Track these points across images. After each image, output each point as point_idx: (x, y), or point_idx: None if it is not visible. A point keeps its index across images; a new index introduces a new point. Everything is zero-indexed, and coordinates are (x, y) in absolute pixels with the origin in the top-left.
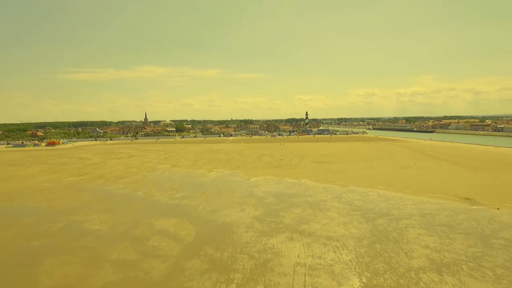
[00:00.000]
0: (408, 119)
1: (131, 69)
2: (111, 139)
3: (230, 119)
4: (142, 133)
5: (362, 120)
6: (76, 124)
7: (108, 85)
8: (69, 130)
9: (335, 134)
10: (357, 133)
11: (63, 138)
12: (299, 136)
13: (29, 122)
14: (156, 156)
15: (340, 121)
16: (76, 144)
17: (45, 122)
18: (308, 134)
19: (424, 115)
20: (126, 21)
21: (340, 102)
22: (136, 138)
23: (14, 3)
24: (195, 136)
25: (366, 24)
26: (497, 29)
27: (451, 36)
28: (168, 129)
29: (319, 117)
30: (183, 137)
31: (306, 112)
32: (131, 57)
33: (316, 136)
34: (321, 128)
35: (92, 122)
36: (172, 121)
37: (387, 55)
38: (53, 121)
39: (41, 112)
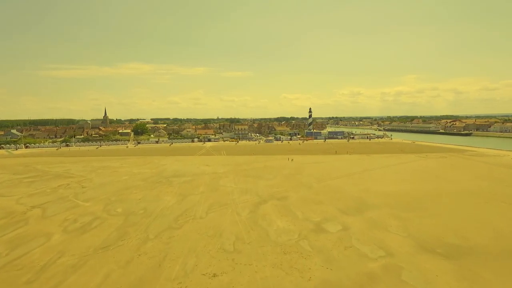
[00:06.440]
0: (423, 118)
1: (115, 66)
2: (26, 146)
3: (216, 118)
4: (82, 136)
5: (359, 119)
6: (35, 122)
7: (91, 82)
8: None
9: (353, 138)
10: (381, 137)
11: None
12: (305, 142)
13: None
14: (8, 211)
15: (337, 120)
16: None
17: None
18: (316, 138)
19: (408, 114)
20: (110, 17)
21: (326, 101)
22: (68, 145)
23: None
24: (157, 141)
25: (351, 21)
26: (478, 30)
27: (435, 35)
28: (121, 130)
29: (308, 115)
30: (139, 142)
31: (310, 109)
32: (115, 53)
33: (328, 141)
34: (331, 130)
35: (55, 120)
36: (153, 119)
37: (373, 53)
38: (22, 118)
39: (19, 109)
